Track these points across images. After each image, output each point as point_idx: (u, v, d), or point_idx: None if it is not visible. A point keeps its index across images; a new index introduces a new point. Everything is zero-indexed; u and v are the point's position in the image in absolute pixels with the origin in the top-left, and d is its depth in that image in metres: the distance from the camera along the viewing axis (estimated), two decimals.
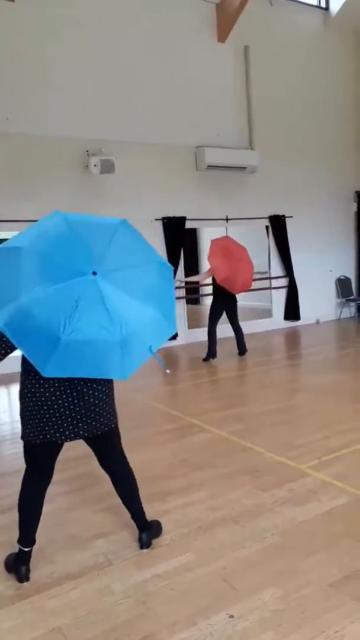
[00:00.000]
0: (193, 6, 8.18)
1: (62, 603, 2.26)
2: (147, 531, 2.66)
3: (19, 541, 2.46)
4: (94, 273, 2.06)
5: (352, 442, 3.86)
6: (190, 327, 8.62)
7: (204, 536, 2.71)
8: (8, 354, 2.23)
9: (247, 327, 8.66)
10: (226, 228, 8.79)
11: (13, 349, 2.19)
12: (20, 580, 2.42)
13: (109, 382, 2.44)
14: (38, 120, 7.01)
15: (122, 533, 2.77)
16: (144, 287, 2.20)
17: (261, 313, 9.62)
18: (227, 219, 8.79)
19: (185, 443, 4.11)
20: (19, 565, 2.44)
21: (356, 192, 10.30)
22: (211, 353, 7.05)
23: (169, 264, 2.40)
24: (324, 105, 9.79)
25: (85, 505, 3.16)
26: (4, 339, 2.13)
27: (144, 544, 2.63)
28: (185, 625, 2.07)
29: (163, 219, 8.08)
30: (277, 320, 9.60)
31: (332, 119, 9.95)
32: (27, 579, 2.43)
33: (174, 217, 8.16)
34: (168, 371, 2.33)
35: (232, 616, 2.10)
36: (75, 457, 3.84)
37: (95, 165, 7.17)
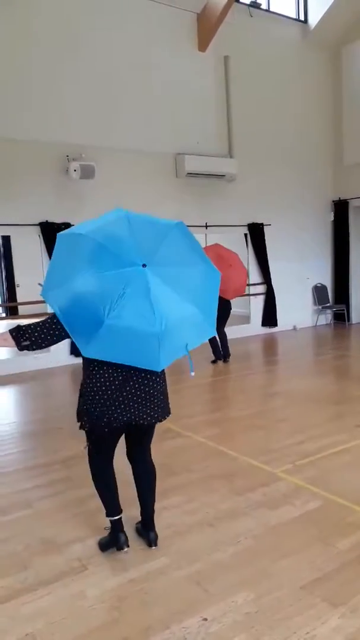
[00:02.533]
0: (174, 15, 8.26)
1: (36, 608, 2.25)
2: (154, 530, 2.71)
3: (107, 515, 2.63)
4: (144, 265, 2.18)
5: (325, 446, 3.93)
6: None
7: (179, 540, 2.73)
8: (60, 339, 2.34)
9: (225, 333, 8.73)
10: (205, 235, 8.86)
11: (66, 336, 2.30)
12: (121, 548, 2.60)
13: (163, 376, 2.56)
14: (17, 124, 6.97)
15: (98, 537, 2.76)
16: (190, 286, 2.30)
17: (239, 319, 9.69)
18: (206, 226, 8.86)
19: (161, 448, 4.11)
20: (117, 534, 2.61)
21: (333, 201, 10.50)
22: (218, 355, 7.12)
23: (217, 270, 2.48)
24: (302, 116, 9.97)
25: (63, 509, 3.15)
26: (59, 325, 2.26)
27: (152, 541, 2.67)
28: (159, 629, 2.08)
29: None
30: (255, 326, 9.70)
31: (310, 129, 10.14)
32: (128, 545, 2.62)
33: None
34: (193, 373, 2.40)
35: (205, 619, 2.12)
36: (57, 461, 3.85)
37: (75, 171, 7.16)
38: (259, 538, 2.71)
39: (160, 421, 2.56)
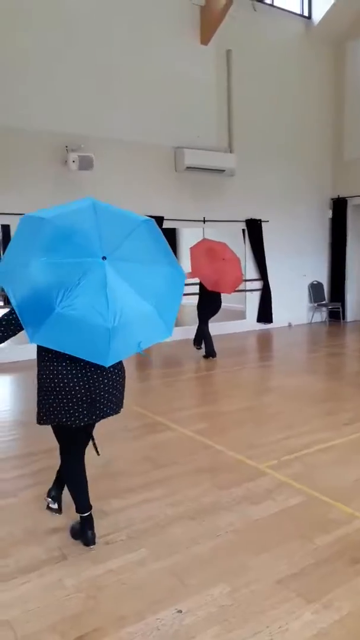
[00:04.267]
0: (177, 7, 8.21)
1: (13, 596, 2.26)
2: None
3: (77, 510, 2.64)
4: (104, 258, 2.14)
5: (312, 443, 3.94)
6: None
7: (160, 532, 2.74)
8: (16, 332, 2.32)
9: (220, 328, 8.75)
10: (203, 229, 8.84)
11: (21, 328, 2.26)
12: (88, 544, 2.61)
13: (122, 369, 2.55)
14: (17, 114, 6.94)
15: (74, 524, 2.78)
16: (149, 284, 2.26)
17: (235, 315, 9.70)
18: (204, 221, 8.85)
19: (149, 441, 4.14)
20: (85, 530, 2.62)
21: (332, 199, 10.48)
22: (210, 351, 7.13)
23: (183, 272, 2.44)
24: (303, 112, 9.93)
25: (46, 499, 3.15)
26: (14, 316, 2.24)
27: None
28: (134, 620, 2.09)
29: None
30: (250, 322, 9.70)
31: (311, 126, 10.10)
32: (94, 543, 2.61)
33: (152, 216, 8.11)
34: (143, 353, 2.37)
35: (180, 611, 2.13)
36: (40, 451, 3.85)
37: (73, 161, 7.13)
38: (239, 532, 2.72)
39: (118, 413, 2.58)
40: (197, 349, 7.39)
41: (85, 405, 2.41)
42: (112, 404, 2.51)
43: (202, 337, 7.18)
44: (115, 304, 2.12)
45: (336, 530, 2.70)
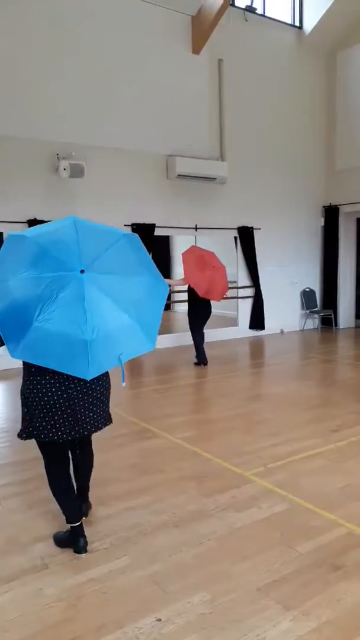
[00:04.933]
0: (169, 17, 8.29)
1: None
2: (87, 502, 2.88)
3: (67, 521, 2.64)
4: (82, 271, 2.15)
5: (298, 450, 3.95)
6: (158, 332, 8.65)
7: (142, 540, 2.74)
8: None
9: (212, 335, 8.79)
10: (195, 237, 8.88)
11: (1, 343, 2.27)
12: (79, 552, 2.60)
13: (107, 382, 2.56)
14: (7, 121, 6.97)
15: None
16: (130, 297, 2.27)
17: (227, 321, 9.73)
18: (196, 228, 8.89)
19: (136, 448, 4.13)
20: (77, 538, 2.62)
21: (324, 207, 10.55)
22: (202, 359, 7.13)
23: (166, 285, 2.46)
24: (295, 121, 10.02)
25: (30, 508, 3.15)
26: None
27: (83, 512, 2.76)
28: (112, 629, 2.09)
29: (132, 225, 8.11)
30: (243, 329, 9.73)
31: (302, 134, 10.18)
32: (86, 550, 2.61)
33: (144, 224, 8.20)
34: (125, 384, 2.38)
35: (159, 620, 2.13)
36: (27, 459, 3.85)
37: (64, 169, 7.16)
38: (222, 540, 2.72)
39: (106, 425, 2.61)
40: (204, 365, 7.24)
41: (66, 420, 2.41)
42: (94, 420, 2.50)
43: (197, 345, 7.17)
44: (93, 316, 2.13)
45: (318, 537, 2.70)
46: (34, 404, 2.39)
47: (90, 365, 2.16)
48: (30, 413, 2.42)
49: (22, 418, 2.51)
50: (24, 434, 2.50)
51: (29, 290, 2.09)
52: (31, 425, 2.44)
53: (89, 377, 2.20)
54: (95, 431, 2.56)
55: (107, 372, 2.53)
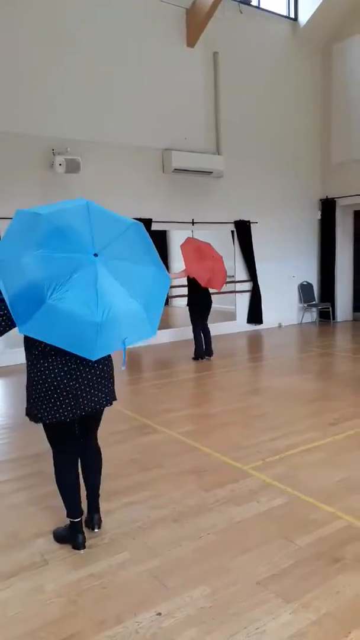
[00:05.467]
0: (163, 10, 8.23)
1: None
2: (98, 512, 2.80)
3: (68, 515, 2.64)
4: (96, 255, 2.19)
5: (297, 443, 3.96)
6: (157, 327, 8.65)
7: (142, 535, 2.75)
8: (7, 329, 2.32)
9: (211, 329, 8.75)
10: (192, 231, 8.86)
11: (13, 325, 2.27)
12: (78, 548, 2.61)
13: (110, 361, 2.58)
14: (2, 117, 6.93)
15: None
16: (138, 284, 2.30)
17: (225, 316, 9.73)
18: (193, 222, 8.87)
19: (135, 443, 4.14)
20: (76, 534, 2.63)
21: (320, 200, 10.53)
22: (200, 353, 7.14)
23: (169, 277, 2.50)
24: (291, 114, 9.98)
25: (30, 504, 3.16)
26: (5, 311, 2.24)
27: (96, 523, 2.75)
28: (113, 624, 2.10)
29: None
30: (241, 323, 9.73)
31: (299, 127, 10.15)
32: (84, 547, 2.62)
33: (141, 219, 8.15)
34: (124, 367, 2.40)
35: (159, 614, 2.14)
36: (27, 456, 3.86)
37: (60, 165, 7.13)
38: (221, 534, 2.73)
39: (110, 405, 2.62)
40: (208, 358, 7.27)
41: (68, 399, 2.43)
42: (98, 398, 2.52)
43: (194, 337, 7.18)
44: (104, 299, 2.16)
45: (317, 530, 2.71)
46: (39, 385, 2.41)
47: (96, 347, 2.19)
48: (36, 394, 2.44)
49: (27, 399, 2.51)
50: (31, 415, 2.51)
51: (42, 268, 2.09)
52: (36, 408, 2.45)
53: (94, 358, 2.25)
54: (100, 409, 2.57)
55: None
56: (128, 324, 2.28)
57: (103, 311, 2.15)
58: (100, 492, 2.85)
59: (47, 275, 2.10)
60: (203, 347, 7.17)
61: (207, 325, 7.22)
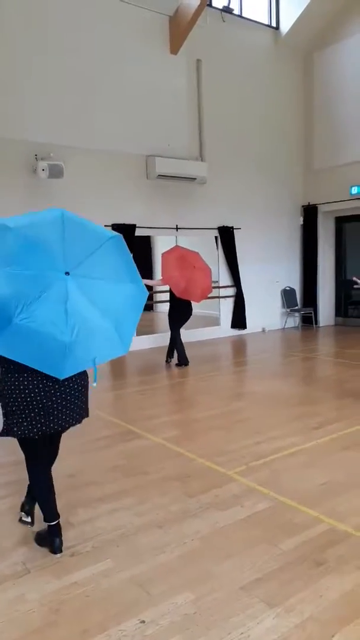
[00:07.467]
0: (146, 17, 8.27)
1: None
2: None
3: (45, 519, 2.64)
4: (67, 273, 2.15)
5: (281, 448, 3.97)
6: (140, 333, 8.63)
7: (126, 542, 2.73)
8: None
9: (195, 334, 8.81)
10: (176, 237, 8.89)
11: None
12: (54, 552, 2.60)
13: (85, 377, 2.56)
14: None
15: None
16: (110, 302, 2.28)
17: (209, 321, 9.76)
18: (177, 228, 8.89)
19: (119, 450, 4.11)
20: (53, 538, 2.62)
21: (302, 206, 10.65)
22: (183, 360, 7.11)
23: (146, 292, 2.47)
24: (273, 121, 10.09)
25: (12, 512, 3.10)
26: None
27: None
28: (96, 632, 2.07)
29: (113, 225, 8.07)
30: (225, 328, 9.77)
31: (281, 134, 10.27)
32: (61, 551, 2.61)
33: (124, 225, 8.17)
34: (95, 384, 2.39)
35: (143, 621, 2.12)
36: (8, 463, 3.80)
37: (43, 170, 7.10)
38: (205, 539, 2.72)
39: (80, 423, 2.61)
40: (167, 362, 7.32)
41: (42, 417, 2.41)
42: (69, 417, 2.50)
43: (174, 346, 7.17)
44: (74, 318, 2.14)
45: (301, 534, 2.72)
46: (11, 400, 2.39)
47: (65, 365, 2.17)
48: (9, 410, 2.41)
49: (5, 421, 2.49)
50: (2, 432, 2.49)
51: (10, 286, 2.05)
52: (9, 422, 2.43)
53: (62, 377, 2.23)
54: (69, 426, 2.56)
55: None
56: (98, 343, 2.27)
57: (72, 330, 2.13)
58: (85, 498, 2.83)
59: (14, 293, 2.05)
60: (185, 353, 7.15)
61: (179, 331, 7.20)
